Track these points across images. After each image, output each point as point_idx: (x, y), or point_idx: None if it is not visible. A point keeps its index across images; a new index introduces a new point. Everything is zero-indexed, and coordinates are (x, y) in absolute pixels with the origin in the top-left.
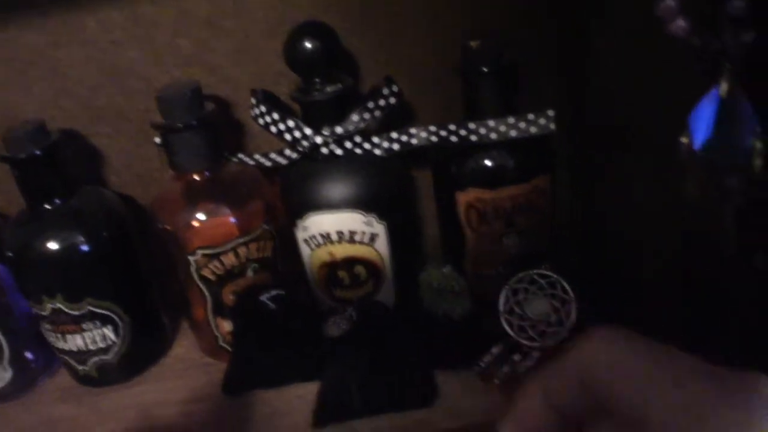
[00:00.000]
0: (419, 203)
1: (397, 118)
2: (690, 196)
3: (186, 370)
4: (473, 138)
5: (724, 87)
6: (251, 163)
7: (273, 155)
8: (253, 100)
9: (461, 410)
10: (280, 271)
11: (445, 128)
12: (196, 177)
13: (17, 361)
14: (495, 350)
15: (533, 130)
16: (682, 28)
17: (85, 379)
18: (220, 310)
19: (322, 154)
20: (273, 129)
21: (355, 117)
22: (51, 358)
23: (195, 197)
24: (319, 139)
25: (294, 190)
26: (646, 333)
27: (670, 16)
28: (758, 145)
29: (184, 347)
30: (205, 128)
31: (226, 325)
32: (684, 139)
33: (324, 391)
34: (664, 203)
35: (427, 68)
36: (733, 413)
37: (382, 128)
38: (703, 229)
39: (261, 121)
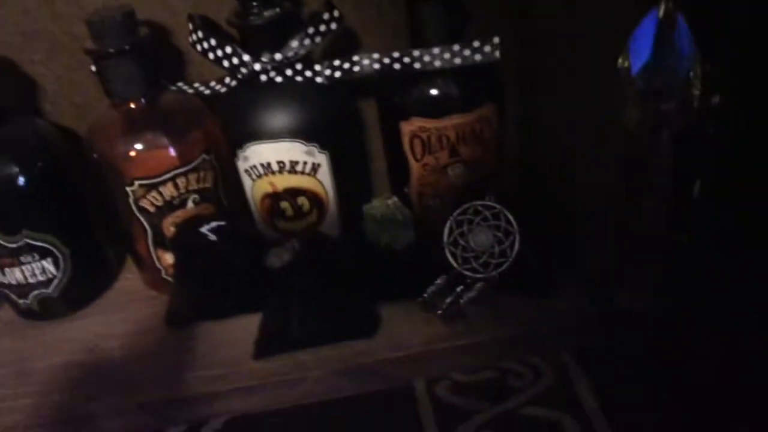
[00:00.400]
0: (367, 134)
1: (343, 47)
2: (627, 121)
3: (130, 303)
4: (417, 66)
5: (662, 9)
6: (190, 91)
7: (212, 83)
8: (191, 26)
9: (403, 341)
10: (224, 202)
11: (389, 56)
12: (133, 105)
13: None
14: (439, 281)
15: (478, 57)
16: None
17: (27, 313)
18: (161, 242)
19: (262, 82)
20: (211, 55)
21: (294, 43)
22: None
23: (132, 126)
24: (257, 66)
25: (233, 119)
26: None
27: None
28: (697, 71)
29: (129, 280)
30: (139, 54)
31: (168, 258)
32: (622, 62)
33: (265, 322)
34: (602, 130)
35: None
36: None
37: (327, 56)
38: (639, 158)
39: (199, 47)
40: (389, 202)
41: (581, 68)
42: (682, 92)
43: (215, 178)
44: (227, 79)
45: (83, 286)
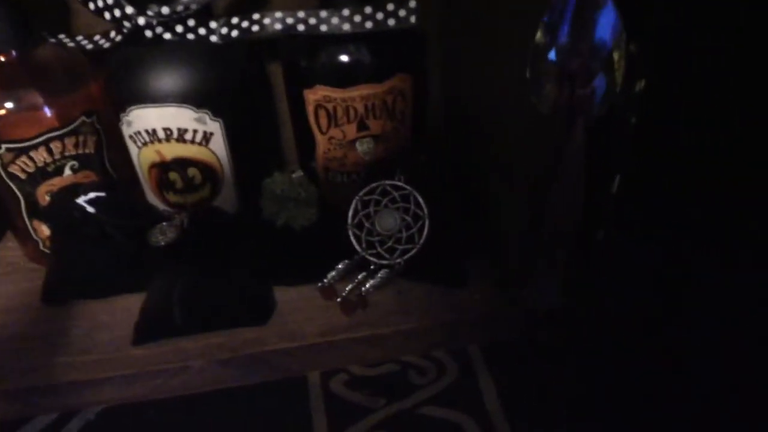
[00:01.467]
0: (273, 102)
1: (248, 5)
2: (539, 102)
3: (7, 275)
4: (323, 28)
5: None
6: (71, 45)
7: (97, 38)
8: None
9: (297, 330)
10: (109, 171)
11: (293, 16)
12: (2, 59)
13: None
14: (340, 266)
15: (392, 22)
16: None
17: None
18: (35, 212)
19: (148, 39)
20: (90, 5)
21: None
22: None
23: (1, 82)
24: (142, 20)
25: (117, 80)
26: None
27: None
28: (621, 53)
29: (9, 250)
30: (10, 1)
31: (45, 230)
32: (540, 38)
33: (147, 305)
34: (527, 111)
35: None
36: None
37: (227, 13)
38: (554, 144)
39: None
40: (293, 176)
41: (506, 41)
42: (602, 76)
43: (97, 144)
44: (112, 34)
45: None
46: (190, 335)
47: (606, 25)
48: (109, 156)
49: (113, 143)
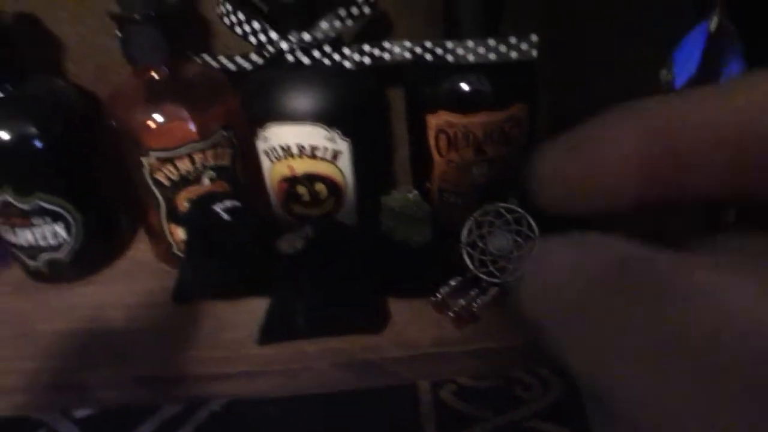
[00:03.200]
0: (390, 124)
1: (372, 31)
2: None
3: (139, 274)
4: (450, 58)
5: (714, 22)
6: (214, 64)
7: (238, 58)
8: None
9: (410, 340)
10: (240, 182)
11: (422, 45)
12: (155, 75)
13: None
14: (453, 282)
15: (514, 55)
16: None
17: (36, 275)
18: (173, 216)
19: (288, 62)
20: (238, 30)
21: (324, 24)
22: (4, 250)
23: (152, 96)
24: (284, 45)
25: (256, 98)
26: None
27: None
28: None
29: (141, 251)
30: (164, 21)
31: (180, 233)
32: (666, 75)
33: (272, 308)
34: None
35: None
36: None
37: (357, 40)
38: None
39: (226, 20)
40: (409, 195)
41: (618, 76)
42: None
43: (233, 156)
44: (253, 56)
45: (94, 253)
46: (311, 339)
47: (733, 62)
48: (240, 167)
49: (245, 156)
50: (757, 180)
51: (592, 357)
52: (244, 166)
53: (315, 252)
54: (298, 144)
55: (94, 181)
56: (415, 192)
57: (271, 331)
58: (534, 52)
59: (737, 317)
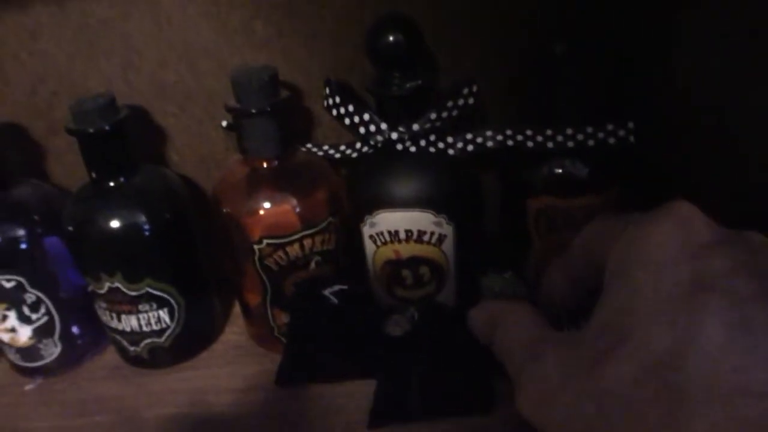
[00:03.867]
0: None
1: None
2: None
3: (237, 358)
4: (549, 145)
5: None
6: (320, 153)
7: (343, 147)
8: (327, 90)
9: (520, 418)
10: (341, 265)
11: (522, 133)
12: (264, 164)
13: (66, 336)
14: None
15: (611, 141)
16: None
17: (135, 360)
18: (278, 300)
19: (395, 150)
20: (347, 121)
21: (432, 115)
22: (98, 334)
23: (261, 184)
24: (394, 135)
25: (364, 185)
26: None
27: None
28: None
29: (235, 334)
30: (278, 115)
31: (283, 317)
32: None
33: (381, 391)
34: None
35: (504, 69)
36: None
37: (454, 128)
38: None
39: (334, 112)
40: (506, 276)
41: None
42: None
43: (338, 241)
44: (358, 144)
45: (193, 338)
46: (421, 421)
47: None
48: (343, 251)
49: (347, 239)
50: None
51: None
52: (345, 249)
53: (421, 334)
54: (407, 229)
55: (196, 266)
56: (511, 272)
57: (382, 415)
58: (631, 138)
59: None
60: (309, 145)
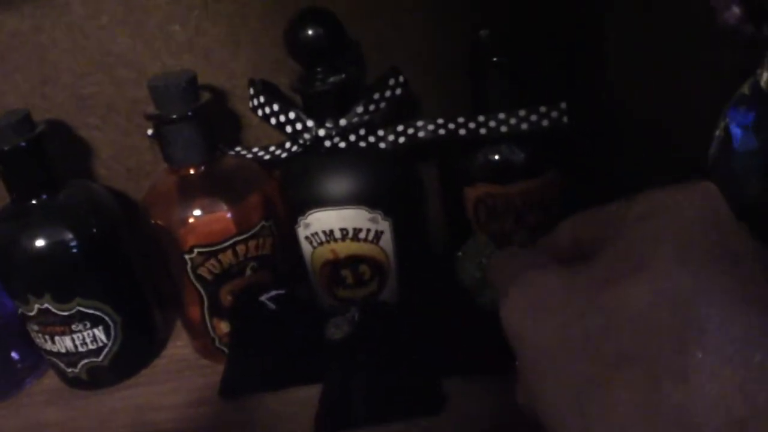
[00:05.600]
0: (426, 199)
1: (400, 111)
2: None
3: (180, 372)
4: (482, 131)
5: (765, 77)
6: (249, 156)
7: (272, 148)
8: (252, 91)
9: (472, 417)
10: (279, 269)
11: (454, 121)
12: (192, 171)
13: (3, 362)
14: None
15: (545, 123)
16: (735, 16)
17: (74, 382)
18: (216, 310)
19: (325, 148)
20: (273, 121)
21: (359, 109)
22: (38, 358)
23: (190, 192)
24: (322, 132)
25: (295, 186)
26: None
27: (725, 3)
28: None
29: (178, 348)
30: (200, 120)
31: (224, 326)
32: (719, 133)
33: (325, 396)
34: None
35: (432, 59)
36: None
37: (386, 120)
38: None
39: (260, 112)
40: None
41: (659, 139)
42: None
43: (273, 245)
44: (288, 144)
45: (133, 355)
46: (369, 426)
47: None
48: (281, 255)
49: (284, 243)
50: None
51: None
52: (283, 253)
53: (364, 335)
54: (341, 228)
55: (131, 281)
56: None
57: (327, 421)
58: (565, 119)
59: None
60: (238, 149)
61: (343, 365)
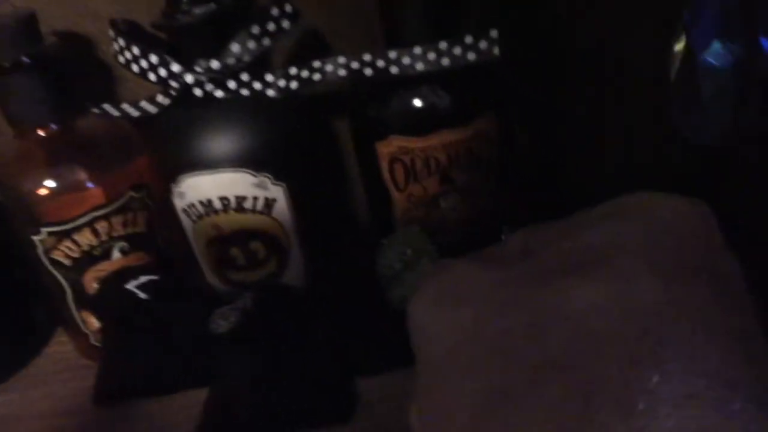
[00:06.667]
0: (342, 160)
1: (304, 52)
2: (694, 119)
3: (58, 374)
4: (394, 70)
5: None
6: (116, 114)
7: (143, 103)
8: (112, 33)
9: (388, 424)
10: (162, 251)
11: (358, 59)
12: (42, 133)
13: None
14: None
15: (471, 56)
16: None
17: None
18: (83, 302)
19: (198, 98)
20: (134, 67)
21: (235, 47)
22: None
23: (38, 158)
24: (189, 78)
25: (164, 147)
26: None
27: None
28: None
29: (64, 344)
30: (45, 70)
31: (95, 321)
32: (678, 47)
33: (210, 403)
34: (647, 146)
35: None
36: None
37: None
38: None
39: (121, 58)
40: (413, 231)
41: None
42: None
43: (149, 221)
44: (159, 97)
45: (6, 354)
46: None
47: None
48: (162, 234)
49: (166, 219)
50: None
51: None
52: (164, 231)
53: (256, 327)
54: (221, 196)
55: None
56: (419, 228)
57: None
58: (496, 50)
59: None
60: (104, 106)
61: (229, 364)
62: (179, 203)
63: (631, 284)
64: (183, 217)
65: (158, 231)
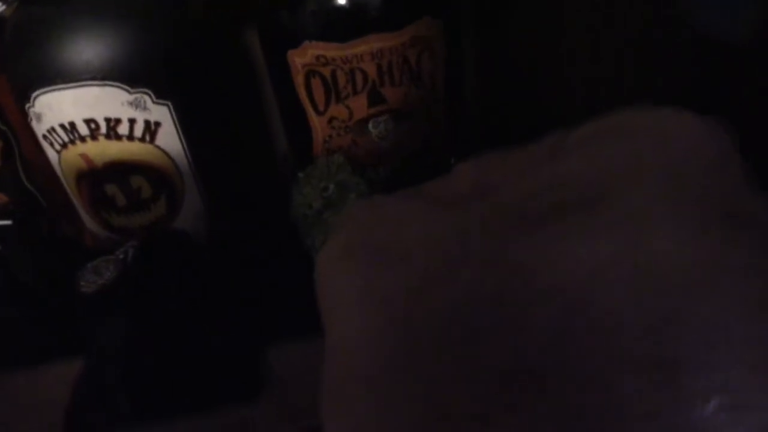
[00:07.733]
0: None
1: None
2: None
3: None
4: None
5: None
6: None
7: None
8: None
9: (300, 406)
10: (30, 191)
11: None
12: None
13: None
14: None
15: None
16: None
17: None
18: None
19: None
20: None
21: None
22: None
23: None
24: None
25: (15, 55)
26: None
27: None
28: None
29: None
30: None
31: None
32: None
33: (80, 383)
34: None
35: None
36: None
37: None
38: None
39: None
40: (338, 160)
41: None
42: None
43: (4, 152)
44: None
45: None
46: (144, 424)
47: None
48: (28, 170)
49: (33, 151)
50: None
51: None
52: (33, 166)
53: (137, 286)
54: (87, 118)
55: None
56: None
57: (81, 419)
58: None
59: None
60: None
61: (102, 332)
62: (38, 128)
63: (647, 236)
64: (45, 145)
65: (20, 165)
